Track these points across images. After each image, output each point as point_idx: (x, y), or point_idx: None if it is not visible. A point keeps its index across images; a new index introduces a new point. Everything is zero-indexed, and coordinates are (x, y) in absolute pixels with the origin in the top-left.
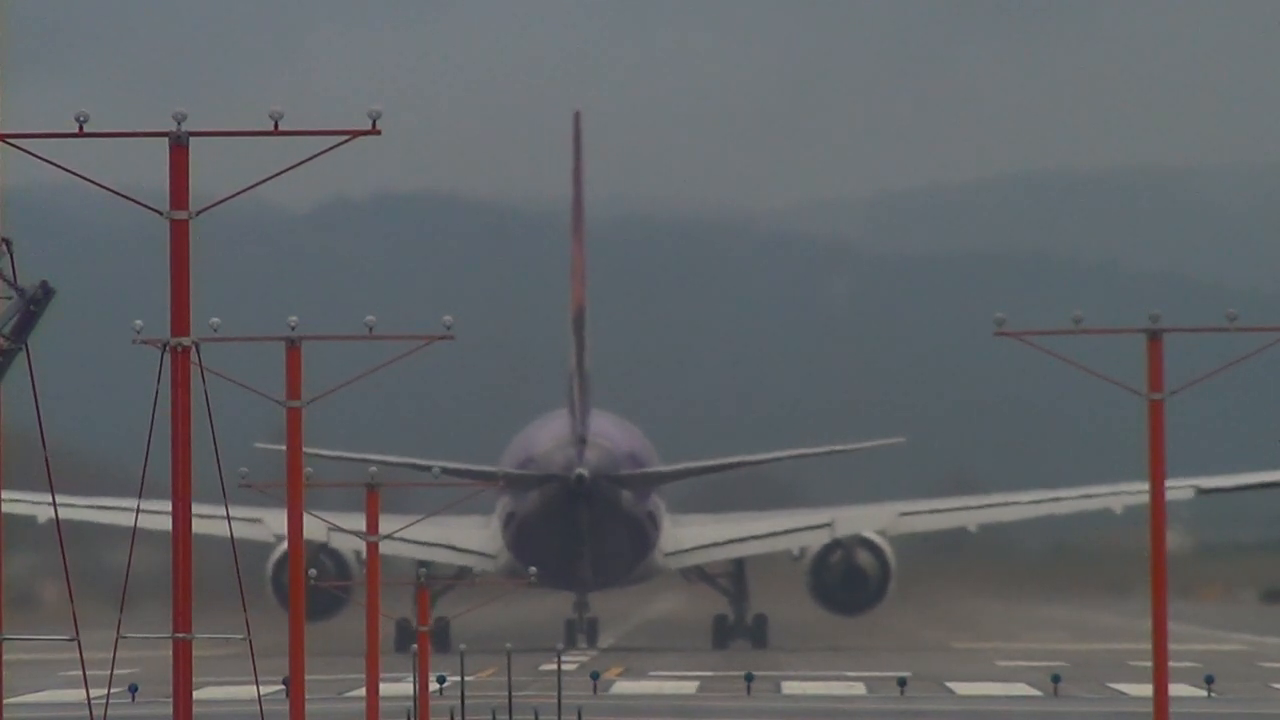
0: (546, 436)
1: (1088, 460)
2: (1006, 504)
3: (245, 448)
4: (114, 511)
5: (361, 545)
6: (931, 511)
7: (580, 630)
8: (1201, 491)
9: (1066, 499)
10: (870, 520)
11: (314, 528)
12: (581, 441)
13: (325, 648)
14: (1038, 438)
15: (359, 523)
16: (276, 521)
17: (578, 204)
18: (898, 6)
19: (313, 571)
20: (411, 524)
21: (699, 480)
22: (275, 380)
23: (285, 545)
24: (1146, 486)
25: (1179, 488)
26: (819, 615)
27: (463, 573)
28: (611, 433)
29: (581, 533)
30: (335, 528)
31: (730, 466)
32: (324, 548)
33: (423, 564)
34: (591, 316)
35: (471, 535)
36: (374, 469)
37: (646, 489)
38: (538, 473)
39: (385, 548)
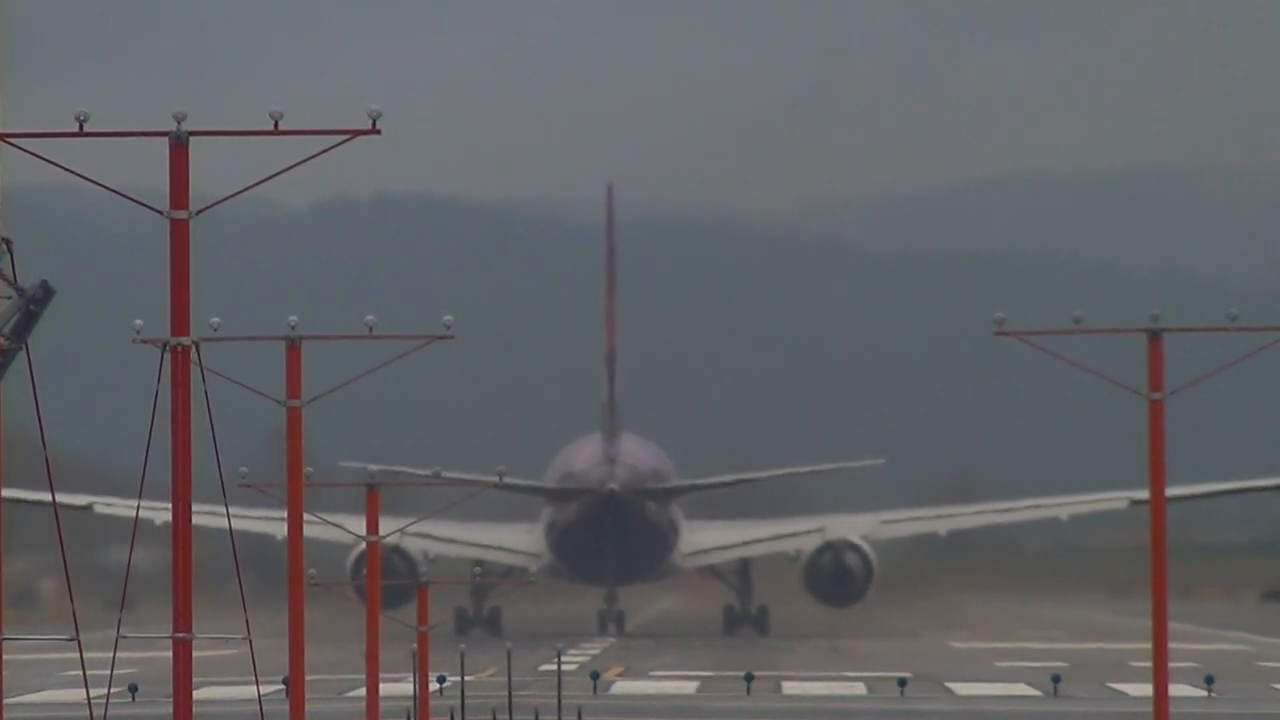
0: (583, 456)
1: (1087, 460)
2: (976, 513)
3: (245, 448)
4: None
5: (429, 546)
6: (907, 519)
7: (610, 619)
8: (1134, 503)
9: (1018, 509)
10: (856, 527)
11: (386, 531)
12: (612, 461)
13: (391, 634)
14: (1038, 438)
15: (422, 527)
16: (356, 524)
17: (610, 260)
18: (898, 9)
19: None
20: (413, 522)
21: (711, 492)
22: (275, 380)
23: (363, 546)
24: (1093, 496)
25: (1114, 499)
26: (812, 607)
27: (511, 571)
28: (637, 453)
29: (612, 537)
30: (422, 536)
31: (737, 483)
32: (396, 549)
33: (475, 563)
34: (597, 323)
35: (519, 539)
36: (374, 469)
37: (667, 500)
38: (575, 487)
39: (443, 548)
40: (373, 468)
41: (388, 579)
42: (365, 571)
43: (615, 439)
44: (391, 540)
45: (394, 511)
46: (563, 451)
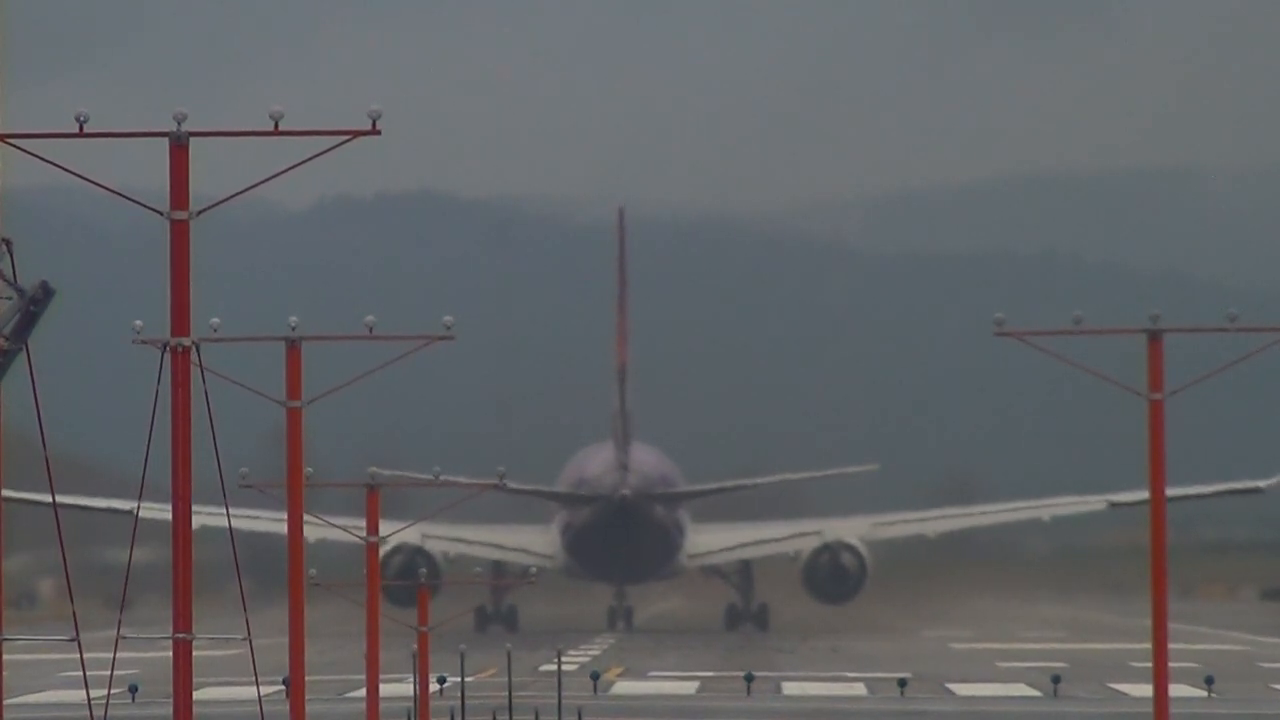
0: (596, 463)
1: (1087, 460)
2: (964, 515)
3: (245, 448)
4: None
5: (449, 547)
6: (899, 522)
7: (619, 616)
8: (1114, 505)
9: (1003, 511)
10: (851, 529)
11: (409, 532)
12: (624, 468)
13: (399, 634)
14: (1037, 438)
15: (442, 529)
16: (383, 526)
17: (622, 277)
18: (899, 9)
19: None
20: (410, 525)
21: (716, 496)
22: (275, 380)
23: (387, 548)
24: (1073, 499)
25: (1093, 502)
26: (811, 605)
27: (525, 571)
28: (647, 460)
29: (623, 539)
30: (434, 537)
31: (739, 488)
32: (417, 550)
33: (477, 564)
34: (597, 323)
35: (535, 540)
36: (373, 469)
37: (674, 505)
38: (589, 492)
39: (464, 549)
40: (388, 471)
41: (410, 580)
42: (390, 573)
43: (626, 447)
44: (414, 540)
45: (396, 513)
46: (575, 458)
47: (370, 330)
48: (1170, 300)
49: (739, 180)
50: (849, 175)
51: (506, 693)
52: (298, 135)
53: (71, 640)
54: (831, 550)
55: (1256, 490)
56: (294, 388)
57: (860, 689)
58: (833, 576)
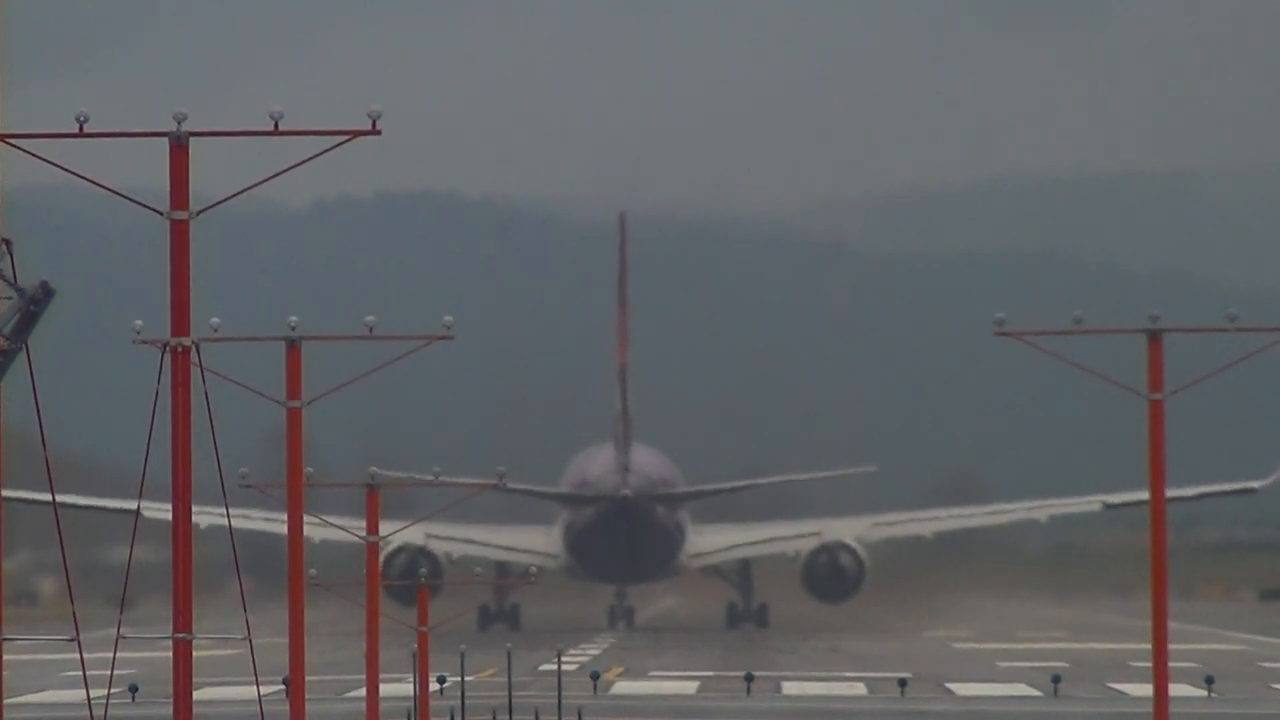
0: (597, 464)
1: (1087, 460)
2: (960, 515)
3: (245, 448)
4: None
5: (451, 548)
6: (896, 522)
7: (620, 616)
8: (1108, 506)
9: (1000, 511)
10: (849, 529)
11: (413, 533)
12: (625, 469)
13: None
14: (1037, 438)
15: (445, 529)
16: (386, 526)
17: (622, 280)
18: (899, 10)
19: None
20: (407, 527)
21: (716, 496)
22: (275, 380)
23: (391, 547)
24: (1067, 500)
25: (1088, 502)
26: (809, 604)
27: (527, 571)
28: (648, 461)
29: (625, 539)
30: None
31: (739, 489)
32: (420, 550)
33: (478, 565)
34: (598, 323)
35: (538, 540)
36: (373, 469)
37: (675, 505)
38: (591, 493)
39: (468, 549)
40: (388, 471)
41: (412, 579)
42: (394, 572)
43: (627, 448)
44: (417, 540)
45: (397, 513)
46: (577, 459)
47: (370, 330)
48: (1170, 300)
49: (739, 180)
50: (849, 175)
51: (506, 693)
52: (298, 135)
53: (71, 640)
54: (830, 550)
55: (1250, 491)
56: (294, 388)
57: (860, 689)
58: (831, 576)
